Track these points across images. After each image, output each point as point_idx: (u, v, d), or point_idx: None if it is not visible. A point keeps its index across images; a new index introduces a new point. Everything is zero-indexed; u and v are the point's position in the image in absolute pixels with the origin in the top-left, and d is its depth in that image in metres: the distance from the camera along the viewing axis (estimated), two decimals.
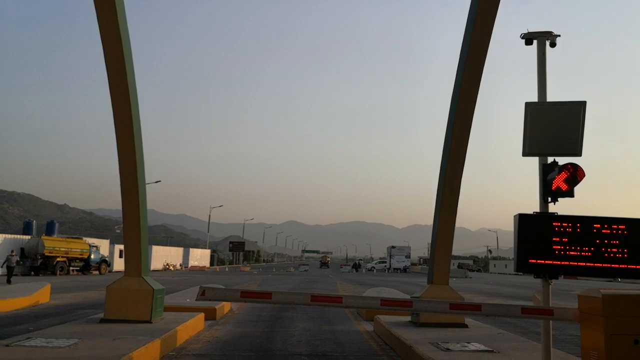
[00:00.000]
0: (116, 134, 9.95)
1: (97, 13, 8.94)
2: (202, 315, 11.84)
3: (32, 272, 36.99)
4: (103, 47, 9.26)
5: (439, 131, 10.89)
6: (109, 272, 44.42)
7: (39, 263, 37.32)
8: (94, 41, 9.22)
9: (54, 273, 37.64)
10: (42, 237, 39.11)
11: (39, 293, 16.67)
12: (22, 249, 37.29)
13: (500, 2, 8.62)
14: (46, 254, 37.58)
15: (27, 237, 40.39)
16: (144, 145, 10.51)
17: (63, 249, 39.30)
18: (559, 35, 7.45)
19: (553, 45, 7.45)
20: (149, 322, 9.94)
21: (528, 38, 7.53)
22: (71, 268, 40.14)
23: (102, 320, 10.03)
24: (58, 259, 38.56)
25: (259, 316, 14.42)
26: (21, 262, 35.33)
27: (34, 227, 46.65)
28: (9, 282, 25.98)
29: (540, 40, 7.44)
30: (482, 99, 9.90)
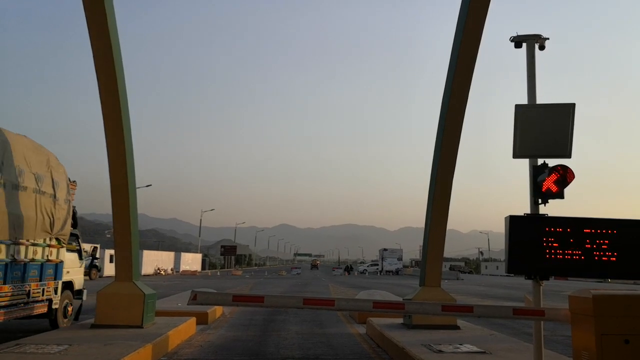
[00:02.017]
0: (106, 138, 9.90)
1: (86, 17, 8.90)
2: (193, 319, 11.78)
3: None
4: (93, 52, 9.20)
5: (430, 134, 10.95)
6: (100, 277, 44.06)
7: None
8: (87, 44, 9.18)
9: None
10: None
11: None
12: None
13: (491, 5, 8.69)
14: None
15: None
16: (134, 149, 10.47)
17: None
18: (548, 38, 7.52)
19: (542, 48, 7.52)
20: (140, 327, 9.88)
21: (517, 41, 7.60)
22: None
23: (93, 326, 9.95)
24: None
25: (251, 320, 14.38)
26: None
27: None
28: None
29: (530, 43, 7.51)
30: (473, 102, 9.97)
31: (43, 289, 10.49)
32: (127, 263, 10.35)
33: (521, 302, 8.69)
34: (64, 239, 11.36)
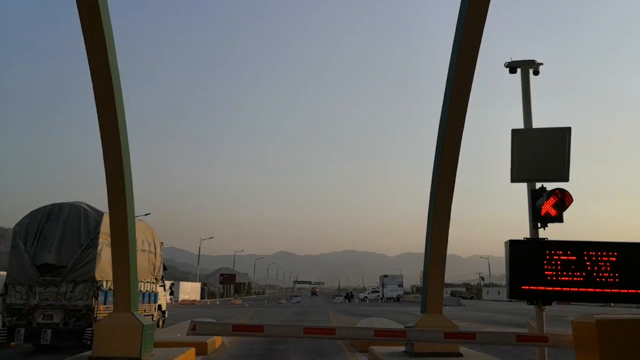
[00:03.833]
0: (105, 166, 9.90)
1: (87, 52, 8.99)
2: (192, 350, 11.61)
3: None
4: (92, 80, 9.26)
5: (428, 158, 10.97)
6: None
7: None
8: (83, 76, 9.26)
9: None
10: None
11: None
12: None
13: (487, 30, 8.80)
14: None
15: None
16: (133, 177, 10.47)
17: None
18: (542, 64, 7.63)
19: (536, 73, 7.63)
20: (139, 358, 9.73)
21: (512, 67, 7.71)
22: None
23: (91, 358, 9.80)
24: None
25: (251, 350, 14.18)
26: None
27: None
28: None
29: (524, 68, 7.62)
30: (470, 126, 10.01)
31: (152, 307, 17.66)
32: (125, 293, 10.26)
33: (524, 328, 8.60)
34: (159, 278, 18.36)
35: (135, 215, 10.77)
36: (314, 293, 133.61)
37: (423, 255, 11.27)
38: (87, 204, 14.51)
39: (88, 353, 10.29)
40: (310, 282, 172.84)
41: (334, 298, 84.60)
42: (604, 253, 6.48)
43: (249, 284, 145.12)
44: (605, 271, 6.45)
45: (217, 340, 14.67)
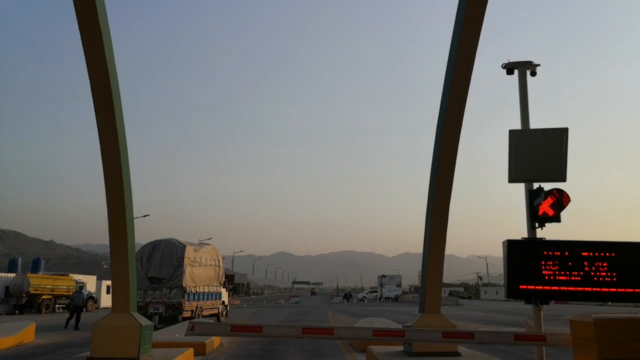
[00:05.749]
0: (103, 167, 9.90)
1: (84, 52, 9.00)
2: (191, 350, 11.62)
3: (17, 311, 36.21)
4: (91, 83, 9.26)
5: (426, 159, 10.99)
6: (96, 308, 43.53)
7: (24, 301, 36.59)
8: (82, 80, 9.23)
9: (39, 311, 36.84)
10: (28, 275, 38.40)
11: (23, 332, 16.26)
12: (6, 288, 36.59)
13: (484, 31, 8.83)
14: (31, 291, 36.85)
15: (12, 275, 39.65)
16: (132, 178, 10.47)
17: (49, 287, 38.55)
18: (539, 65, 7.65)
19: (534, 74, 7.66)
20: (137, 359, 9.73)
21: (509, 68, 7.73)
22: (57, 306, 39.30)
23: (89, 359, 9.80)
24: (43, 297, 37.80)
25: (249, 350, 14.19)
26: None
27: (19, 264, 45.89)
28: (75, 326, 21.96)
29: (521, 69, 7.65)
30: (468, 127, 10.01)
31: (217, 302, 26.69)
32: (124, 293, 10.24)
33: (522, 327, 8.63)
34: (222, 282, 27.57)
35: (135, 216, 10.77)
36: (313, 293, 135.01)
37: (421, 255, 11.28)
38: (176, 239, 23.50)
39: (86, 354, 10.29)
40: (308, 283, 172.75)
41: (332, 298, 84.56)
42: (602, 252, 6.51)
43: (248, 284, 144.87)
44: (603, 270, 6.47)
45: (216, 341, 14.67)
